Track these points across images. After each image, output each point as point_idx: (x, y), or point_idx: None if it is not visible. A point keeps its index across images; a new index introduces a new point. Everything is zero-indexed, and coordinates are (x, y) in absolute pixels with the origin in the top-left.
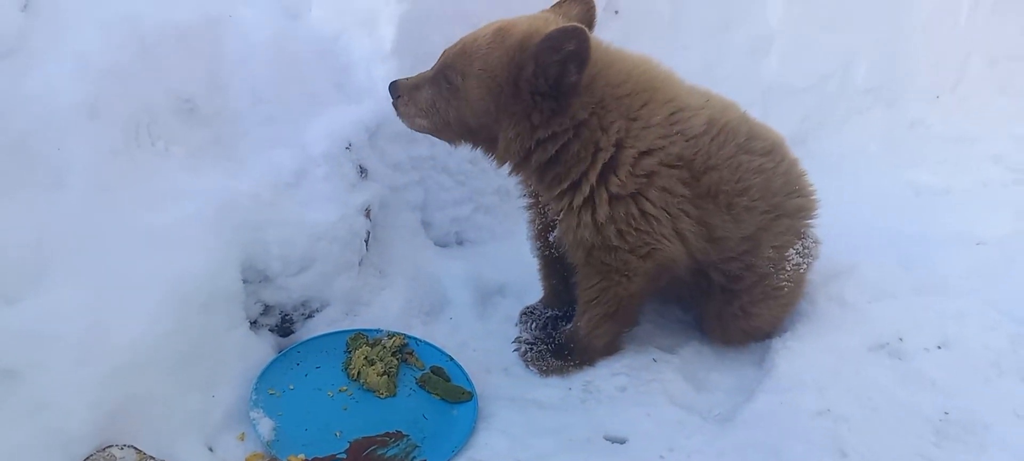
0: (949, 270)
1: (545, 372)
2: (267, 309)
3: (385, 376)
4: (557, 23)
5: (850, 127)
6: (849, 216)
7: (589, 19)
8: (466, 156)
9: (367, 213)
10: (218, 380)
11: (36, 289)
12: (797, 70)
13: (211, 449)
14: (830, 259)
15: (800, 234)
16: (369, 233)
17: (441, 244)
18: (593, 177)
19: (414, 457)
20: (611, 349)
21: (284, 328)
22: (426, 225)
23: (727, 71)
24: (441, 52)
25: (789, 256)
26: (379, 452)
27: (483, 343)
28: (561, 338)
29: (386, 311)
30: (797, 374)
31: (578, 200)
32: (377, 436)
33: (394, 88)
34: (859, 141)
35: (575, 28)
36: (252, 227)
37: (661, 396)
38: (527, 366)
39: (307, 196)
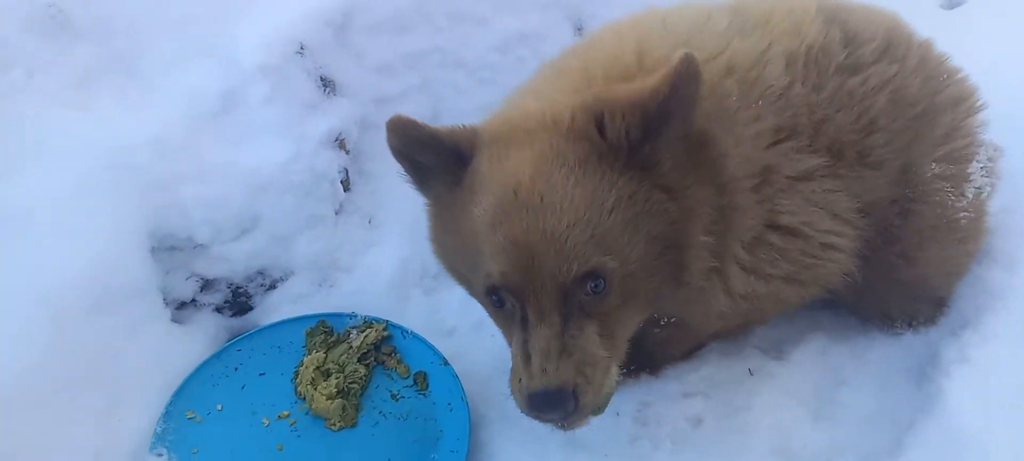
0: None
1: None
2: (207, 284)
3: (340, 399)
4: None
5: None
6: None
7: None
8: (491, 44)
9: (340, 144)
10: (122, 402)
11: None
12: None
13: None
14: None
15: (969, 134)
16: (346, 170)
17: None
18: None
19: None
20: (686, 355)
21: (239, 304)
22: None
23: None
24: None
25: (968, 172)
26: None
27: None
28: None
29: (376, 277)
30: (979, 408)
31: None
32: None
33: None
34: None
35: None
36: (158, 185)
37: (757, 437)
38: None
39: (240, 129)
